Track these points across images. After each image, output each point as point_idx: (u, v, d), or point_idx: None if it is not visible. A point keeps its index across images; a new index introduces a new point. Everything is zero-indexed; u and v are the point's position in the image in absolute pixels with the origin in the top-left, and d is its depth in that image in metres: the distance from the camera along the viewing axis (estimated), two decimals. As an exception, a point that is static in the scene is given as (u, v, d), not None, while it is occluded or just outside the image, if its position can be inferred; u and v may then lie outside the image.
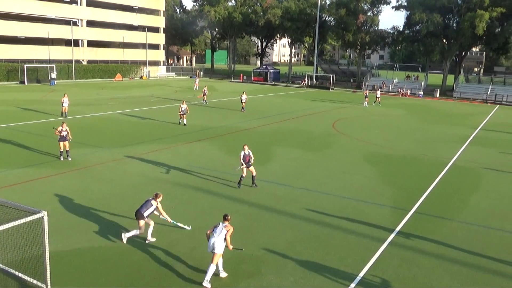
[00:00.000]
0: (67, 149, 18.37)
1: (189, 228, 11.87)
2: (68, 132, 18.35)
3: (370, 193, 15.72)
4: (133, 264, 9.93)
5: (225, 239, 9.36)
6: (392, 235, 12.09)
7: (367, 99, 43.76)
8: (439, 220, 13.45)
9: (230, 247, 9.64)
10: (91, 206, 13.25)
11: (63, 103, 28.84)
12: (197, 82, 51.37)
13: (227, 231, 9.41)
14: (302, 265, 10.22)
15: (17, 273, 9.06)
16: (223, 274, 9.55)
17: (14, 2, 55.96)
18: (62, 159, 18.30)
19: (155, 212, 11.23)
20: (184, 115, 27.80)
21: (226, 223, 9.55)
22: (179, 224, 11.90)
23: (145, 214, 10.88)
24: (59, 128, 18.27)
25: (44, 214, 8.04)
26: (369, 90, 48.65)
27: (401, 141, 25.94)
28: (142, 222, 10.86)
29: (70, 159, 18.37)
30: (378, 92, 46.80)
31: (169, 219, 11.58)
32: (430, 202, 15.15)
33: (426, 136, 27.82)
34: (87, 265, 9.81)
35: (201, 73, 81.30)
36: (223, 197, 14.56)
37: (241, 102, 34.36)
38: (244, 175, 15.49)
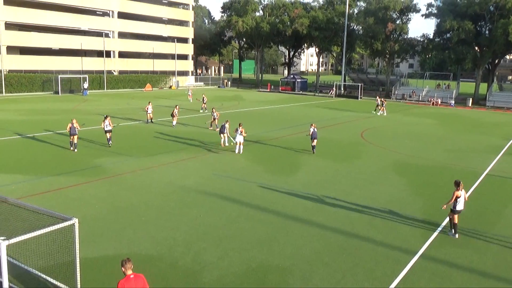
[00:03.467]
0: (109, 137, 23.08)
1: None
2: (110, 124, 23.09)
3: (400, 204, 15.39)
4: (160, 272, 9.99)
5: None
6: (423, 248, 11.77)
7: (383, 107, 43.60)
8: (472, 233, 13.01)
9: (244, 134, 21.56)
10: (120, 214, 13.45)
11: (147, 110, 31.86)
12: (190, 94, 48.75)
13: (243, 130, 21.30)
14: (329, 276, 10.06)
15: (49, 279, 9.25)
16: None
17: (49, 16, 58.01)
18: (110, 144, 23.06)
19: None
20: (215, 121, 29.17)
21: (241, 128, 21.64)
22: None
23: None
24: (105, 121, 22.93)
25: (75, 221, 8.20)
26: (381, 98, 48.09)
27: (432, 150, 25.36)
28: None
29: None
30: (379, 100, 46.00)
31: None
32: (462, 214, 14.67)
33: (457, 146, 27.12)
34: (115, 272, 9.91)
35: (229, 82, 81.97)
36: (249, 206, 14.54)
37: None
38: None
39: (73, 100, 46.92)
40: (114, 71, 66.72)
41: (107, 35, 64.84)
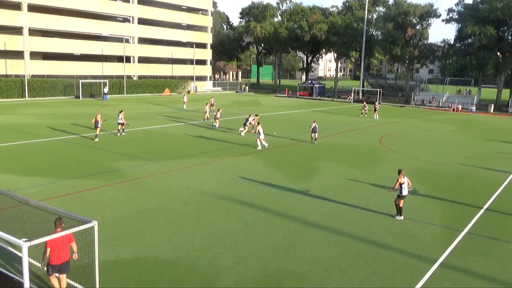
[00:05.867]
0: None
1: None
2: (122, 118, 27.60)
3: (419, 211, 15.16)
4: (177, 276, 10.04)
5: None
6: (443, 256, 11.56)
7: (375, 112, 43.56)
8: (494, 242, 12.74)
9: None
10: (138, 217, 13.58)
11: (206, 111, 36.03)
12: (185, 100, 46.54)
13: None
14: (347, 283, 9.96)
15: (68, 280, 9.37)
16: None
17: (71, 22, 59.17)
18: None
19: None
20: (247, 126, 30.08)
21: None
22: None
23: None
24: (119, 115, 27.63)
25: (94, 223, 8.31)
26: (378, 103, 47.88)
27: (452, 157, 24.96)
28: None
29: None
30: (377, 105, 45.89)
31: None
32: (484, 222, 14.41)
33: (479, 153, 26.63)
34: (133, 275, 10.01)
35: (247, 87, 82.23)
36: (266, 211, 14.51)
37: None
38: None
39: (93, 105, 47.68)
40: (134, 76, 67.60)
41: (127, 41, 65.82)
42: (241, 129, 29.86)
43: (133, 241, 11.81)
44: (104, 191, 16.22)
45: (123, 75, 62.74)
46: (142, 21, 68.06)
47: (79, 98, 54.88)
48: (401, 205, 14.22)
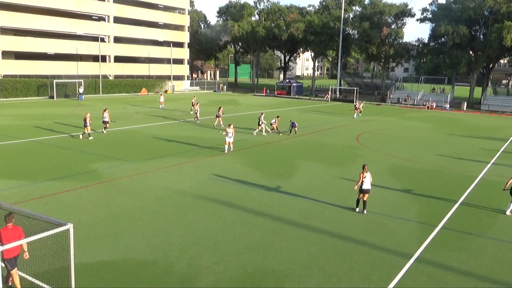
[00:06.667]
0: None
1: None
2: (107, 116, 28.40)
3: (395, 208, 15.42)
4: (155, 277, 9.95)
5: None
6: (419, 251, 11.79)
7: (356, 110, 44.13)
8: (468, 236, 13.06)
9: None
10: (115, 219, 13.40)
11: (197, 111, 36.19)
12: (162, 100, 45.89)
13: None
14: (325, 280, 10.05)
15: (43, 285, 9.19)
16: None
17: (45, 20, 57.92)
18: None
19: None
20: (261, 125, 30.44)
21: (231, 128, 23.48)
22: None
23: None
24: (104, 114, 28.49)
25: (70, 226, 8.16)
26: (360, 102, 48.68)
27: (427, 154, 25.45)
28: None
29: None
30: (361, 104, 47.02)
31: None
32: (458, 217, 14.75)
33: (453, 150, 27.23)
34: (110, 277, 9.88)
35: (225, 87, 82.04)
36: (245, 210, 14.52)
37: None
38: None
39: (68, 105, 46.81)
40: (110, 75, 66.63)
41: (102, 40, 64.77)
42: (259, 130, 30.32)
43: (110, 242, 11.66)
44: (80, 193, 15.95)
45: (99, 75, 61.79)
46: (118, 20, 67.09)
47: (53, 98, 53.78)
48: (359, 198, 14.83)
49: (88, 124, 26.14)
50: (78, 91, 54.77)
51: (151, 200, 15.30)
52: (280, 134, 29.99)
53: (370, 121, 40.86)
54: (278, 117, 31.45)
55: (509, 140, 32.12)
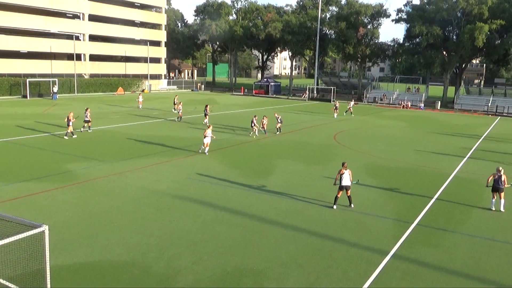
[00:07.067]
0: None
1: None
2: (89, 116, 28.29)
3: (372, 206, 15.65)
4: (133, 278, 9.86)
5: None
6: (395, 248, 12.00)
7: (337, 110, 43.49)
8: (442, 233, 13.36)
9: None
10: (91, 220, 13.20)
11: (179, 110, 35.80)
12: (140, 100, 44.65)
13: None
14: (304, 278, 10.14)
15: (17, 288, 9.00)
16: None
17: (17, 18, 56.54)
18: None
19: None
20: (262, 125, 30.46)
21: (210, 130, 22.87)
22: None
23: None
24: (86, 113, 28.25)
25: (45, 228, 8.01)
26: (338, 101, 49.00)
27: (403, 152, 25.91)
28: None
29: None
30: (352, 103, 47.63)
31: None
32: (432, 214, 15.07)
33: (427, 148, 27.78)
34: (86, 280, 9.74)
35: (202, 86, 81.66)
36: (224, 210, 14.51)
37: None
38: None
39: (42, 104, 45.82)
40: (85, 74, 65.51)
41: (77, 38, 63.62)
42: (252, 132, 29.74)
43: (87, 244, 11.49)
44: (55, 194, 15.65)
45: (74, 74, 60.68)
46: (93, 18, 66.00)
47: (26, 97, 52.54)
48: (338, 195, 15.06)
49: (70, 124, 26.05)
50: (52, 90, 53.66)
51: (128, 201, 15.13)
52: (266, 135, 29.72)
53: (347, 120, 41.33)
54: (265, 116, 31.03)
55: (481, 138, 32.99)
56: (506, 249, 12.28)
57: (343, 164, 14.90)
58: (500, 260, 11.52)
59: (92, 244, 11.48)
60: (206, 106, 35.26)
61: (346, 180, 14.77)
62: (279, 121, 31.08)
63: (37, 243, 8.50)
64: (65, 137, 26.14)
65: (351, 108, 45.97)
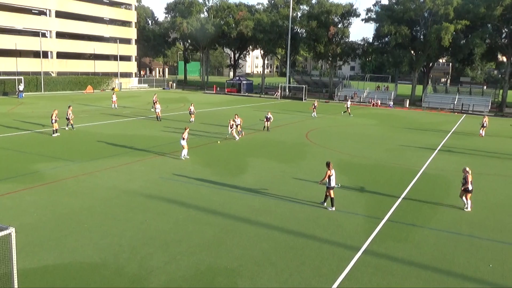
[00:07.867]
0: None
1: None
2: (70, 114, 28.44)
3: (344, 202, 15.87)
4: (105, 280, 9.69)
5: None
6: (366, 244, 12.22)
7: (315, 109, 43.39)
8: (411, 228, 13.68)
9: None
10: (60, 221, 12.90)
11: (156, 109, 35.97)
12: (114, 100, 43.43)
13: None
14: (277, 275, 10.20)
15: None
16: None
17: (-21, 13, 54.61)
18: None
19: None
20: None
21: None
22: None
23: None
24: (68, 111, 28.61)
25: (11, 230, 7.77)
26: (317, 100, 49.04)
27: (373, 150, 26.37)
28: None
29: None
30: (349, 103, 46.74)
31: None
32: (402, 210, 15.41)
33: (397, 145, 28.37)
34: (56, 282, 9.52)
35: (174, 84, 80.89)
36: (197, 209, 14.43)
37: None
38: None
39: (7, 103, 44.40)
40: (52, 72, 63.87)
41: (44, 35, 61.93)
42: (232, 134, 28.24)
43: (56, 246, 11.21)
44: (22, 195, 15.21)
45: (40, 72, 59.05)
46: (61, 14, 64.39)
47: (-10, 96, 50.86)
48: (332, 196, 14.85)
49: (54, 122, 26.43)
50: (18, 89, 52.11)
51: (98, 201, 14.85)
52: (243, 134, 28.88)
53: (319, 118, 41.74)
54: (237, 115, 29.76)
55: (448, 135, 33.93)
56: (472, 243, 12.69)
57: (328, 165, 14.75)
58: (467, 253, 11.89)
59: (61, 246, 11.22)
60: (191, 104, 36.75)
61: (334, 181, 14.79)
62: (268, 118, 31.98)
63: (3, 246, 8.25)
64: (54, 135, 26.57)
65: (349, 109, 44.94)
